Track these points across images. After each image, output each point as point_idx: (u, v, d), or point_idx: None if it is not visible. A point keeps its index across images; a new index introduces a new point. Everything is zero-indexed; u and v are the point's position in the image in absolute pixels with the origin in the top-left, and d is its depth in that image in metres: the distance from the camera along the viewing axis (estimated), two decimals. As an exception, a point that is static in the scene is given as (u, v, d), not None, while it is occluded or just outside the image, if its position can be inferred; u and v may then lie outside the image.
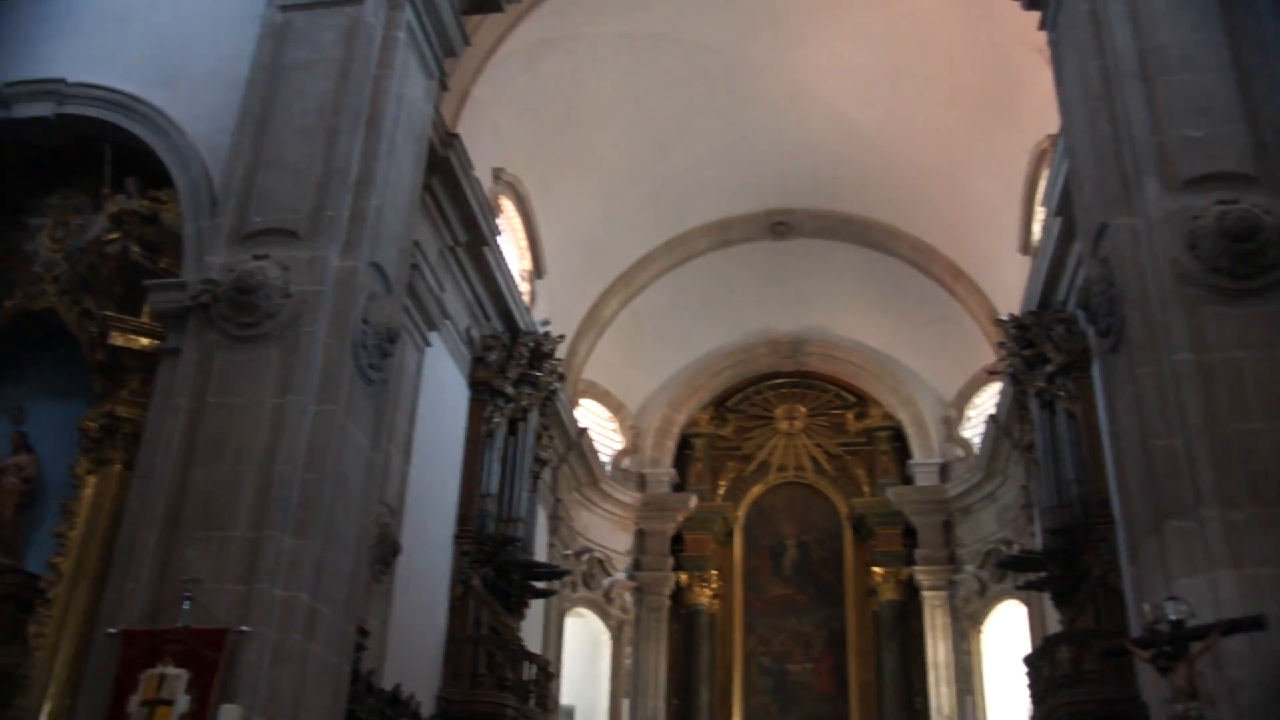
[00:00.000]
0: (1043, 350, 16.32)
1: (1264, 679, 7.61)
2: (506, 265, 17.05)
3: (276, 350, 9.54)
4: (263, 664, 8.63)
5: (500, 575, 16.48)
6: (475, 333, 16.73)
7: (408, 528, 13.68)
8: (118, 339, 10.50)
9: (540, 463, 18.20)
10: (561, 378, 19.04)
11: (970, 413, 23.51)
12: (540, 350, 17.70)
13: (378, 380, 10.28)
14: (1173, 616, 7.19)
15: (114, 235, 11.10)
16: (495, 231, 16.39)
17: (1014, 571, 18.65)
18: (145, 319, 10.63)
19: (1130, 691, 12.72)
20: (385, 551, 12.85)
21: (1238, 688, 7.64)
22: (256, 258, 9.81)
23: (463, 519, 15.94)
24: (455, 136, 14.71)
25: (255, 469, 9.13)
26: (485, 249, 16.06)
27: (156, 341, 10.31)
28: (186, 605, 8.58)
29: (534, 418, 17.55)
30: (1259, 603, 7.64)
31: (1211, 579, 7.96)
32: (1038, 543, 17.36)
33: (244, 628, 8.59)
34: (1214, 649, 7.24)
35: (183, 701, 8.37)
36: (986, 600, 21.99)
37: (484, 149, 16.61)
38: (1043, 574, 16.49)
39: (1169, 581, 8.20)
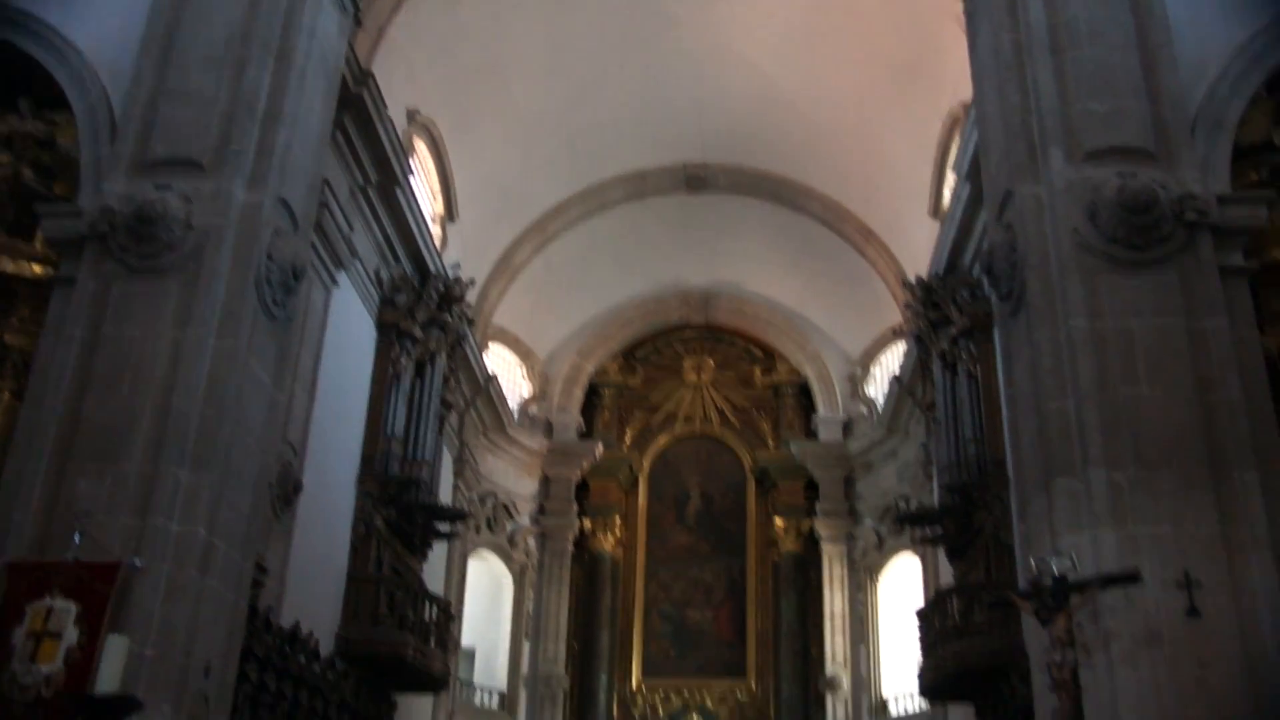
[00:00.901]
0: (947, 313, 16.60)
1: (1136, 630, 7.91)
2: (418, 207, 16.82)
3: (177, 283, 9.32)
4: (156, 598, 8.51)
5: (403, 517, 16.41)
6: (385, 274, 16.50)
7: (310, 467, 13.53)
8: (8, 265, 10.19)
9: (447, 406, 18.11)
10: (471, 322, 18.90)
11: (875, 371, 23.88)
12: (450, 294, 17.53)
13: (282, 317, 10.10)
14: (1056, 570, 7.40)
15: (4, 157, 10.68)
16: (408, 172, 16.13)
17: (911, 526, 19.08)
18: (38, 246, 10.29)
19: (1015, 643, 13.04)
20: (286, 490, 12.72)
21: (1112, 637, 7.93)
22: (158, 188, 9.55)
23: (367, 460, 15.81)
24: (369, 75, 14.40)
25: (152, 402, 8.95)
26: (397, 190, 15.81)
27: (50, 269, 10.01)
28: (77, 538, 8.38)
29: (442, 361, 17.42)
30: (1135, 558, 7.93)
31: (1094, 536, 8.23)
32: (935, 499, 17.74)
33: (137, 561, 8.44)
34: (1092, 601, 7.48)
35: (71, 634, 8.19)
36: (883, 553, 22.47)
37: (399, 89, 16.30)
38: (938, 529, 16.90)
39: (1055, 538, 8.46)
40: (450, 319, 17.46)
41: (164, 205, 9.42)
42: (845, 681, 22.08)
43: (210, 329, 9.20)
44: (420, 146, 18.73)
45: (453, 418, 19.38)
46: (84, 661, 8.02)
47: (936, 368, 16.89)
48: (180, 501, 8.78)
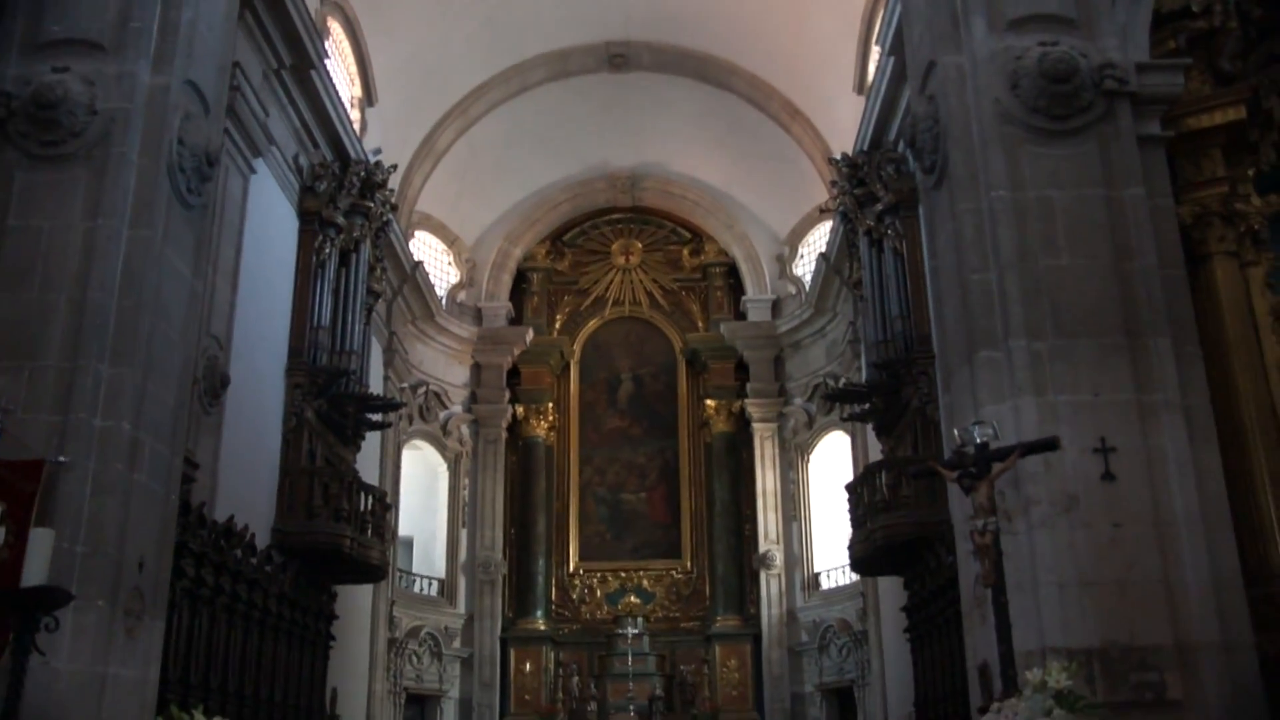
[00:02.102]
0: (873, 189, 16.65)
1: (1054, 495, 8.17)
2: (335, 90, 16.40)
3: (84, 171, 9.01)
4: (83, 495, 8.43)
5: (334, 408, 16.37)
6: (304, 161, 16.16)
7: (237, 359, 13.40)
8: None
9: (374, 295, 17.94)
10: (394, 209, 18.63)
11: (803, 250, 24.01)
12: (372, 180, 17.23)
13: (197, 206, 9.86)
14: (978, 439, 7.55)
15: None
16: (322, 54, 15.69)
17: (840, 404, 19.39)
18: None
19: (940, 515, 13.45)
20: (213, 383, 12.61)
21: (1032, 504, 8.18)
22: (56, 70, 9.16)
23: (294, 351, 15.67)
24: (278, -50, 13.91)
25: (66, 296, 8.72)
26: (312, 73, 15.38)
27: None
28: (-2, 436, 8.27)
29: (366, 249, 17.20)
30: (1055, 427, 8.13)
31: (1015, 405, 8.42)
32: (863, 376, 18.03)
33: (62, 458, 8.34)
34: (1013, 469, 7.69)
35: (-2, 533, 8.14)
36: (813, 432, 22.89)
37: (310, -35, 15.75)
38: (866, 406, 17.21)
39: (977, 408, 8.62)
40: (373, 206, 17.20)
41: (64, 89, 9.06)
42: (778, 558, 22.66)
43: (123, 218, 8.95)
44: (335, 28, 18.22)
45: (380, 307, 19.23)
46: (14, 559, 7.92)
47: (863, 245, 17.00)
48: (102, 396, 8.65)
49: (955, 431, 8.03)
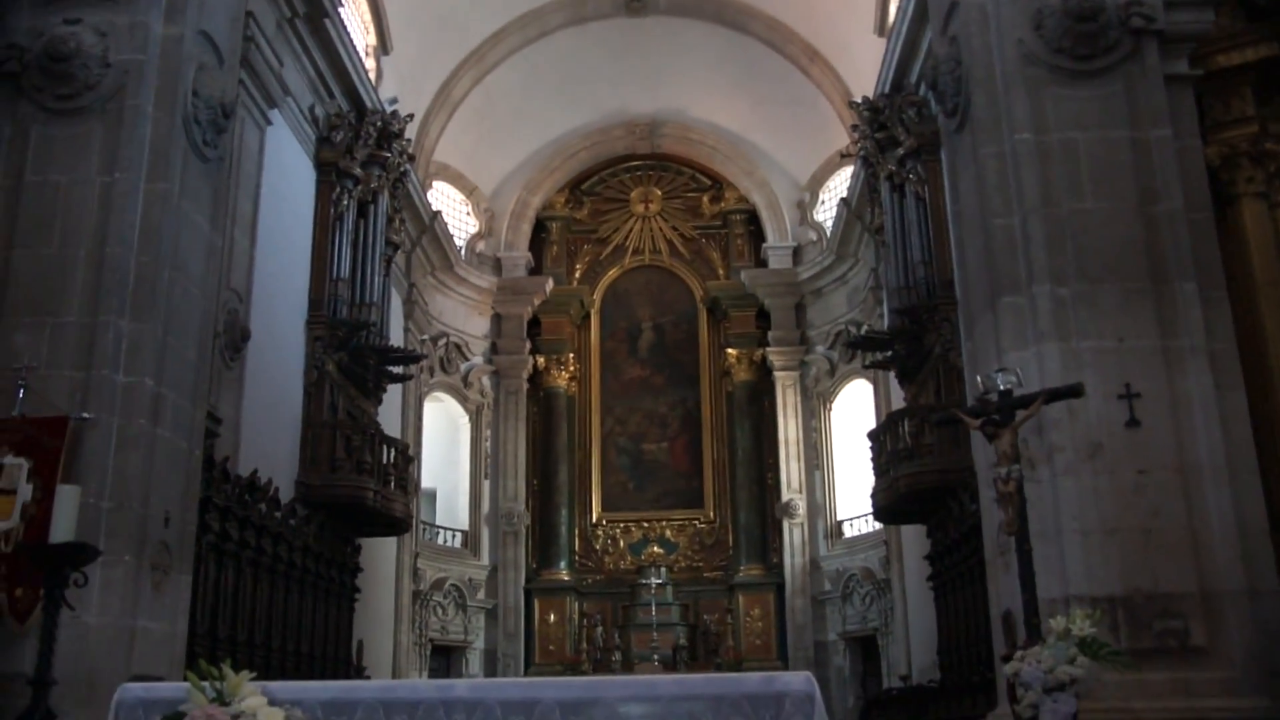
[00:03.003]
0: (894, 133, 16.49)
1: (1078, 442, 8.17)
2: (350, 39, 16.32)
3: (99, 124, 9.01)
4: (108, 451, 8.53)
5: (355, 360, 16.43)
6: (320, 111, 16.12)
7: (257, 313, 13.44)
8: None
9: (393, 246, 17.94)
10: (412, 159, 18.59)
11: (824, 196, 23.85)
12: (388, 130, 17.17)
13: (214, 158, 9.88)
14: (1002, 386, 7.52)
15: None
16: (336, 2, 15.61)
17: (862, 351, 19.31)
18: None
19: (964, 462, 13.43)
20: (234, 337, 12.66)
21: (1055, 451, 8.19)
22: (68, 22, 9.13)
23: (314, 304, 15.69)
24: (288, -103, 13.79)
25: (85, 251, 8.77)
26: (326, 21, 15.29)
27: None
28: (21, 393, 8.36)
29: (384, 200, 17.18)
30: (1079, 373, 8.11)
31: (1038, 351, 8.41)
32: (885, 323, 17.92)
33: (85, 414, 8.44)
34: (1036, 416, 7.68)
35: (25, 490, 8.23)
36: (835, 380, 22.85)
37: (321, -88, 15.61)
38: (889, 353, 17.16)
39: (1000, 355, 8.62)
40: (390, 156, 17.16)
41: (76, 41, 9.04)
42: (801, 507, 22.71)
43: (140, 172, 8.96)
44: (348, -24, 18.10)
45: (399, 258, 19.24)
46: (41, 516, 8.08)
47: (884, 190, 16.88)
48: (124, 352, 8.71)
49: (978, 378, 8.01)
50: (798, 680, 4.69)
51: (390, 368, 17.68)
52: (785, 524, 22.76)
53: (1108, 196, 8.63)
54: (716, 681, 4.82)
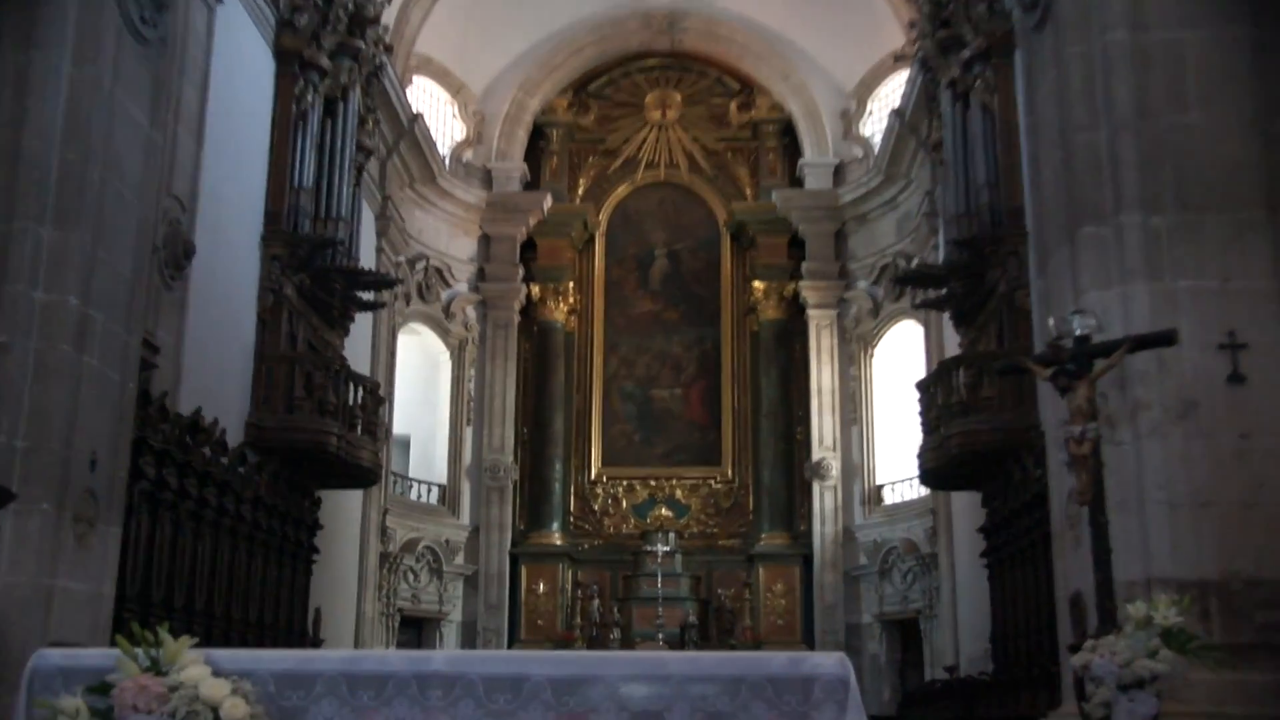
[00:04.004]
0: (959, 32, 16.32)
1: (1169, 399, 8.05)
2: (318, -95, 16.07)
3: (15, -6, 8.89)
4: (24, 380, 8.45)
5: (318, 284, 16.38)
6: (281, -11, 15.93)
7: (204, 225, 13.35)
8: None
9: (365, 152, 17.83)
10: (389, 50, 18.39)
11: (872, 105, 23.62)
12: (362, 15, 16.98)
13: (154, 40, 9.69)
14: (1078, 331, 7.41)
15: None
16: None
17: (912, 288, 19.31)
18: None
19: (1029, 420, 13.40)
20: (176, 252, 12.57)
21: (1141, 408, 8.08)
22: None
23: (271, 217, 15.61)
24: None
25: (-2, 143, 8.66)
26: (291, -119, 15.06)
27: None
28: (-78, 310, 8.26)
29: (355, 97, 17.02)
30: (1172, 318, 7.98)
31: (1124, 292, 8.28)
32: (940, 256, 17.88)
33: (-2, 336, 8.36)
34: (1119, 367, 7.55)
35: (-73, 420, 8.18)
36: (879, 321, 22.77)
37: None
38: (944, 291, 17.10)
39: (1078, 294, 8.50)
40: (363, 46, 16.97)
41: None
42: (834, 467, 22.70)
43: (63, 52, 8.78)
44: None
45: (372, 166, 19.13)
46: (-58, 455, 8.05)
47: (945, 99, 16.72)
48: (44, 265, 8.61)
49: (1050, 321, 7.90)
50: (830, 662, 4.64)
51: (359, 294, 17.63)
52: (815, 486, 22.76)
53: (1218, 109, 8.45)
54: (735, 661, 4.77)
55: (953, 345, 17.82)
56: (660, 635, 20.68)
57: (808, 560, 22.61)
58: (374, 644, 19.56)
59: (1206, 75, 8.49)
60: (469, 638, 22.25)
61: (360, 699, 4.67)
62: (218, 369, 14.07)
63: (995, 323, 15.62)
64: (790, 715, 4.54)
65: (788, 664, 4.68)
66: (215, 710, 4.31)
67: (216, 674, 4.39)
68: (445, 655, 4.94)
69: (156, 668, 4.35)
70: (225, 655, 4.56)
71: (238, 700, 4.36)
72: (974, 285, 16.06)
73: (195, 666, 4.39)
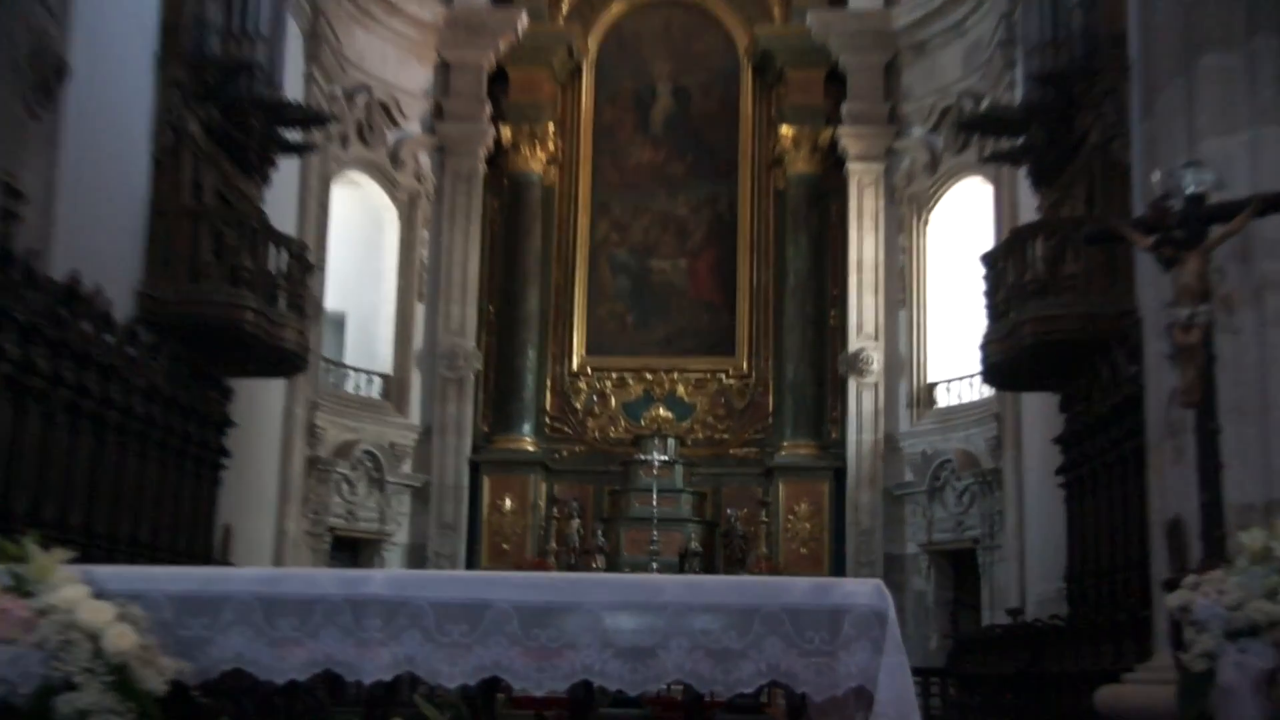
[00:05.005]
0: None
1: (1305, 275, 8.05)
2: None
3: None
4: None
5: (231, 119, 16.28)
6: None
7: (81, 41, 13.12)
8: None
9: (290, -50, 17.64)
10: None
11: (935, -99, 23.34)
12: None
13: None
14: (1191, 189, 7.38)
15: None
16: None
17: (980, 136, 19.21)
18: None
19: (1122, 303, 13.37)
20: (44, 74, 12.37)
21: (1268, 287, 8.06)
22: None
23: (169, 33, 15.42)
24: None
25: None
26: None
27: None
28: None
29: (277, -122, 16.78)
30: (1313, 172, 7.97)
31: (1253, 137, 8.27)
32: (1018, 96, 17.75)
33: None
34: (1241, 235, 7.52)
35: None
36: (938, 178, 22.74)
37: None
38: (1020, 140, 17.03)
39: (1193, 142, 8.48)
40: None
41: None
42: (876, 361, 22.81)
43: None
44: None
45: (299, -30, 18.93)
46: None
47: (1030, -111, 16.50)
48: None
49: (1156, 176, 7.87)
50: (864, 590, 4.68)
51: (283, 133, 17.54)
52: (852, 384, 22.88)
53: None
54: (746, 588, 4.80)
55: (1029, 209, 17.82)
56: (654, 564, 20.86)
57: (839, 475, 22.81)
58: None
59: None
60: (417, 564, 22.44)
61: (280, 629, 4.68)
62: (101, 224, 13.94)
63: (1084, 180, 15.54)
64: (813, 655, 4.55)
65: (811, 592, 4.69)
66: (95, 640, 4.31)
67: (99, 596, 4.39)
68: (387, 575, 4.92)
69: (21, 587, 4.35)
70: (110, 573, 4.57)
71: (124, 628, 4.37)
72: (1060, 132, 15.98)
73: (70, 586, 4.39)
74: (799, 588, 4.71)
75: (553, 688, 4.63)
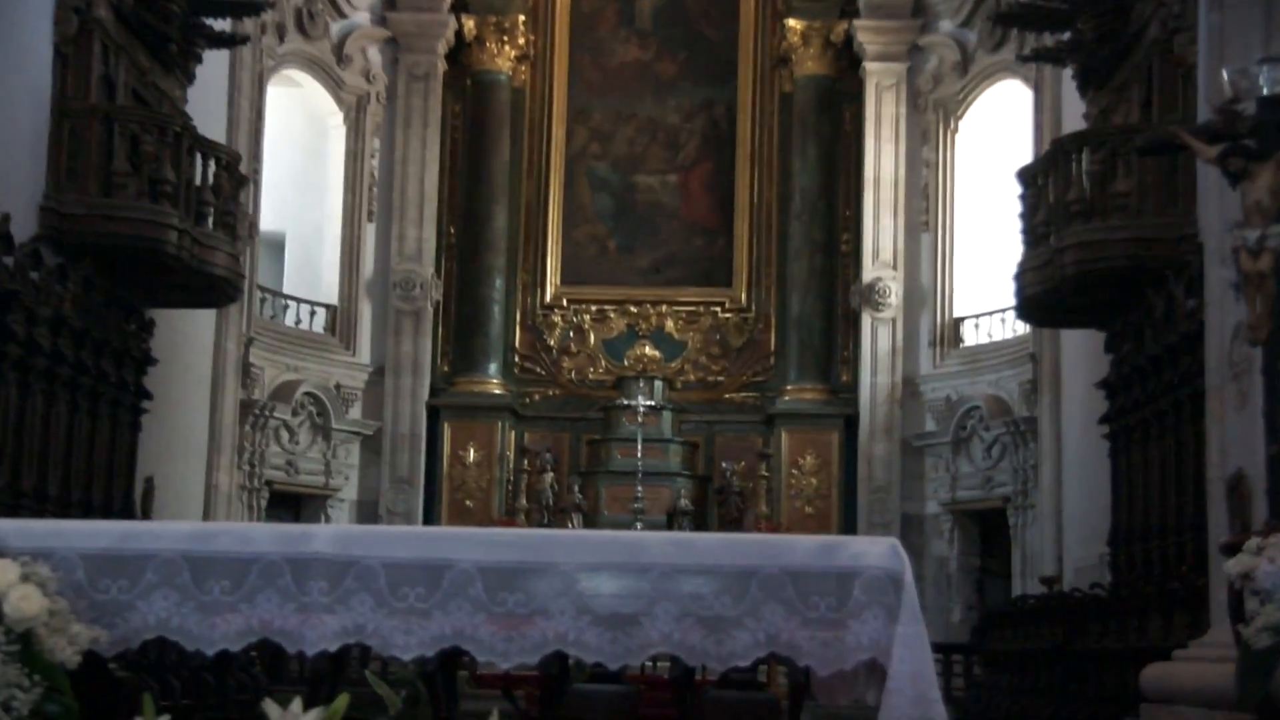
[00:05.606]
0: None
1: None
2: None
3: None
4: None
5: (147, 4, 16.18)
6: None
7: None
8: None
9: None
10: None
11: None
12: None
13: None
14: (1265, 90, 7.36)
15: None
16: None
17: (1019, 31, 19.27)
18: None
19: (1180, 227, 13.36)
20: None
21: (1351, 206, 8.04)
22: None
23: (74, -99, 15.35)
24: None
25: None
26: None
27: None
28: None
29: None
30: None
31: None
32: (1062, -15, 17.68)
33: None
34: (1322, 145, 7.53)
35: None
36: (968, 80, 22.72)
37: None
38: (1066, 36, 17.03)
39: (1270, 37, 8.42)
40: None
41: None
42: (894, 292, 22.84)
43: None
44: None
45: None
46: None
47: None
48: None
49: (1225, 76, 7.84)
50: (877, 550, 4.69)
51: (209, 22, 17.43)
52: (866, 318, 22.95)
53: None
54: (741, 547, 4.81)
55: (1074, 116, 17.85)
56: (638, 523, 20.88)
57: (851, 424, 22.94)
58: (230, 529, 19.79)
59: None
60: (367, 522, 22.47)
61: (210, 591, 4.68)
62: (-3, 127, 13.93)
63: (1140, 83, 15.58)
64: (818, 624, 4.56)
65: (816, 552, 4.69)
66: (-2, 603, 4.31)
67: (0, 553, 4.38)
68: (333, 531, 4.92)
69: (-100, 544, 4.35)
70: (12, 527, 4.56)
71: (29, 590, 4.37)
72: (1111, 27, 15.99)
73: (-37, 544, 4.39)
74: (802, 547, 4.72)
75: (522, 660, 4.63)
